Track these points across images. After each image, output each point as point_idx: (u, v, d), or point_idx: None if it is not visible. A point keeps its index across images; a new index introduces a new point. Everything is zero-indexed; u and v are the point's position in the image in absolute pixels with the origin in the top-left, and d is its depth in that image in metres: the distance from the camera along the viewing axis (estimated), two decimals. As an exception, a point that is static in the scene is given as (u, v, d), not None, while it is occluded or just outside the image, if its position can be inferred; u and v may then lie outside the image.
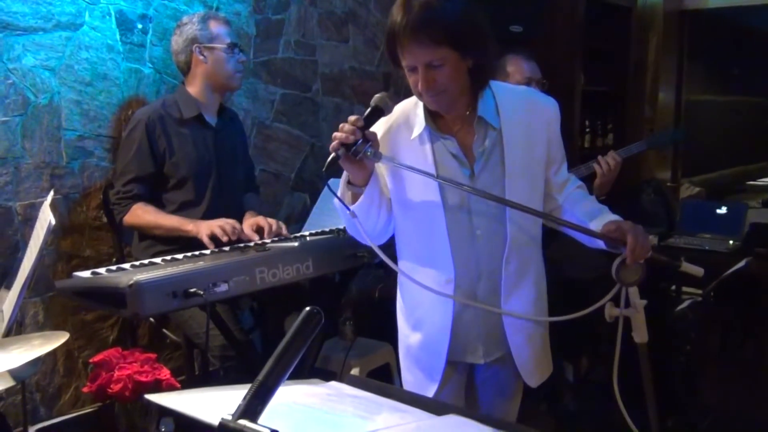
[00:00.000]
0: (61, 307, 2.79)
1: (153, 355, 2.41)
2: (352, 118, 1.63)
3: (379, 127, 1.77)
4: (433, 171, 1.74)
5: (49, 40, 2.70)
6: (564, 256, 3.00)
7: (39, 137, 2.69)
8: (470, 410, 1.80)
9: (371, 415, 1.20)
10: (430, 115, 1.78)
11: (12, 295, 2.03)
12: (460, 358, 1.85)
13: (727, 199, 4.99)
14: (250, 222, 2.66)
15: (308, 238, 2.52)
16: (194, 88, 2.76)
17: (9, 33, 2.58)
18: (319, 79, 3.78)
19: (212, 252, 2.36)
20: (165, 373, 2.33)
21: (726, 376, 3.28)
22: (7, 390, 2.46)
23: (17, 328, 2.61)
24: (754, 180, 6.06)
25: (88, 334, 2.89)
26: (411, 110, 1.82)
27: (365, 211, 1.73)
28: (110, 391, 2.26)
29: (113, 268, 2.20)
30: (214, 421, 0.94)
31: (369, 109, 1.68)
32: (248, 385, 0.97)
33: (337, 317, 3.23)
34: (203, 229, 2.48)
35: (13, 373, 1.83)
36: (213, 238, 2.46)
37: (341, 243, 2.41)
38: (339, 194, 1.76)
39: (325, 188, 2.84)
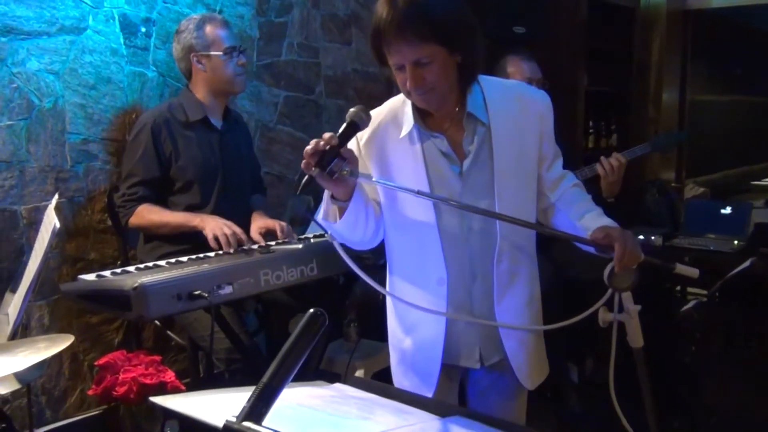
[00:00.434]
0: (66, 310, 2.80)
1: (158, 358, 2.42)
2: (326, 135, 1.52)
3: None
4: (423, 170, 1.71)
5: (53, 44, 2.71)
6: (567, 257, 3.00)
7: (43, 141, 2.70)
8: (474, 412, 1.80)
9: (375, 416, 1.20)
10: (419, 112, 1.73)
11: (17, 299, 2.03)
12: (456, 362, 1.81)
13: (732, 199, 4.96)
14: (259, 224, 2.65)
15: (312, 240, 2.53)
16: (198, 92, 2.75)
17: (13, 37, 2.59)
18: (323, 82, 3.78)
19: (216, 254, 2.36)
20: (170, 376, 2.34)
21: (731, 377, 3.27)
22: (13, 393, 2.45)
23: (22, 331, 2.61)
24: (759, 180, 6.03)
25: (93, 337, 2.90)
26: (399, 108, 1.77)
27: (352, 223, 1.67)
28: (115, 393, 2.27)
29: (118, 270, 2.20)
30: (219, 424, 0.94)
31: (344, 125, 1.56)
32: (253, 387, 0.97)
33: (342, 319, 3.22)
34: (209, 227, 2.47)
35: (19, 376, 1.84)
36: (216, 240, 2.45)
37: (345, 245, 2.42)
38: (323, 209, 1.68)
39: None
